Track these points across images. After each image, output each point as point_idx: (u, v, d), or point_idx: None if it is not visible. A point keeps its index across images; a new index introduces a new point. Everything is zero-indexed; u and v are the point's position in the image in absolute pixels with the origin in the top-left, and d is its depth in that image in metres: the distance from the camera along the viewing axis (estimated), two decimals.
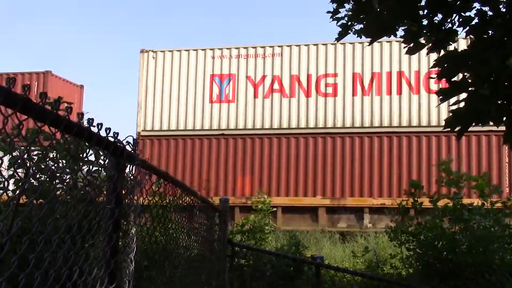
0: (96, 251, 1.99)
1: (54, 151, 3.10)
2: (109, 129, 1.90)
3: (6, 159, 1.54)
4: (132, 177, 2.21)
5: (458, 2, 3.23)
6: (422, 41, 3.41)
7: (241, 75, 13.25)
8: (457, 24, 3.21)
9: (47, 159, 3.26)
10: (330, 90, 12.78)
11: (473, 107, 3.18)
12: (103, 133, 1.82)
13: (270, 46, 13.27)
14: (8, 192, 2.45)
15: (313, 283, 5.33)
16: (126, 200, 2.16)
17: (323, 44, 12.97)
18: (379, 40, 12.44)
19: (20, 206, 2.46)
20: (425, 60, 12.16)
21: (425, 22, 3.32)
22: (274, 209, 11.59)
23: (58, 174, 3.13)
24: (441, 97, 3.28)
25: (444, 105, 11.41)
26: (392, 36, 3.50)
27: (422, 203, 6.61)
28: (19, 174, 1.95)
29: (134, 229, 2.23)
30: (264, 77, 13.15)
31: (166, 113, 13.37)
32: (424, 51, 3.43)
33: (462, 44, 10.77)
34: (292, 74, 13.01)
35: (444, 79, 3.21)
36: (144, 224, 2.47)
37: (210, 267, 4.10)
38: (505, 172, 11.77)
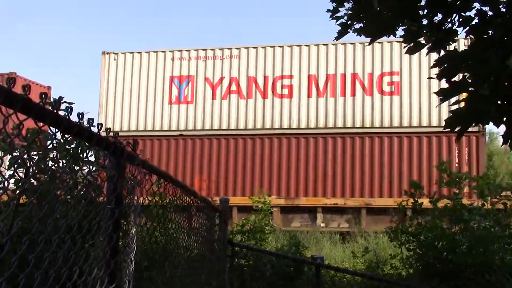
0: (96, 251, 1.99)
1: (55, 151, 3.10)
2: (109, 129, 1.91)
3: (6, 159, 1.54)
4: (132, 177, 2.21)
5: (458, 2, 3.23)
6: (422, 41, 3.41)
7: (200, 76, 13.52)
8: (457, 24, 3.21)
9: (47, 159, 3.26)
10: (286, 91, 13.05)
11: (473, 107, 3.18)
12: (98, 132, 1.82)
13: (228, 48, 13.54)
14: (8, 186, 2.44)
15: (313, 284, 5.33)
16: (126, 200, 2.16)
17: (279, 46, 13.26)
18: (328, 42, 12.79)
19: (20, 206, 2.46)
20: (379, 62, 12.56)
21: (425, 22, 3.32)
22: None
23: (58, 175, 3.13)
24: (441, 97, 3.28)
25: (396, 105, 12.31)
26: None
27: (422, 203, 6.60)
28: (19, 174, 1.95)
29: (134, 229, 2.23)
30: (222, 78, 13.41)
31: (127, 114, 13.61)
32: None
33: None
34: (249, 76, 13.28)
35: (444, 80, 3.21)
36: (144, 224, 2.47)
37: (210, 267, 4.10)
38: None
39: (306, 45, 13.09)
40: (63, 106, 1.72)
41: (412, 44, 3.42)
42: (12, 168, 1.62)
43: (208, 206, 4.14)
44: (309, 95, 12.88)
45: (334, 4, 3.50)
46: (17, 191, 3.11)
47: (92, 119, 1.70)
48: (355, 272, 5.76)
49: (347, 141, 12.51)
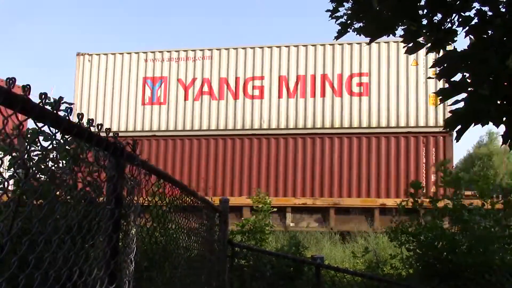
0: (96, 252, 1.99)
1: (54, 152, 3.10)
2: (109, 129, 1.91)
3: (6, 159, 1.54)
4: (131, 178, 2.21)
5: (458, 2, 3.23)
6: (422, 40, 3.41)
7: (172, 78, 13.65)
8: (456, 24, 3.21)
9: (47, 159, 3.26)
10: (257, 92, 13.15)
11: (472, 107, 3.18)
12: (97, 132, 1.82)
13: (200, 50, 13.67)
14: (8, 186, 2.44)
15: (313, 284, 5.32)
16: (126, 201, 2.16)
17: (250, 48, 13.39)
18: (299, 43, 12.86)
19: (20, 207, 2.46)
20: (348, 63, 12.70)
21: (424, 21, 3.32)
22: None
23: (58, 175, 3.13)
24: (440, 97, 3.29)
25: (365, 106, 12.47)
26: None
27: (423, 203, 6.61)
28: (19, 174, 1.95)
29: (134, 229, 2.23)
30: (194, 79, 13.52)
31: (100, 115, 13.69)
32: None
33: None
34: (221, 77, 13.39)
35: (443, 79, 3.21)
36: (144, 224, 2.47)
37: (210, 267, 4.10)
38: (422, 172, 12.00)
39: (277, 47, 13.22)
40: (63, 107, 1.71)
41: (411, 44, 3.43)
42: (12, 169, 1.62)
43: (208, 207, 4.14)
44: (279, 96, 13.02)
45: (333, 4, 3.50)
46: (17, 192, 3.11)
47: (92, 120, 1.70)
48: (355, 272, 5.76)
49: (317, 142, 12.63)
